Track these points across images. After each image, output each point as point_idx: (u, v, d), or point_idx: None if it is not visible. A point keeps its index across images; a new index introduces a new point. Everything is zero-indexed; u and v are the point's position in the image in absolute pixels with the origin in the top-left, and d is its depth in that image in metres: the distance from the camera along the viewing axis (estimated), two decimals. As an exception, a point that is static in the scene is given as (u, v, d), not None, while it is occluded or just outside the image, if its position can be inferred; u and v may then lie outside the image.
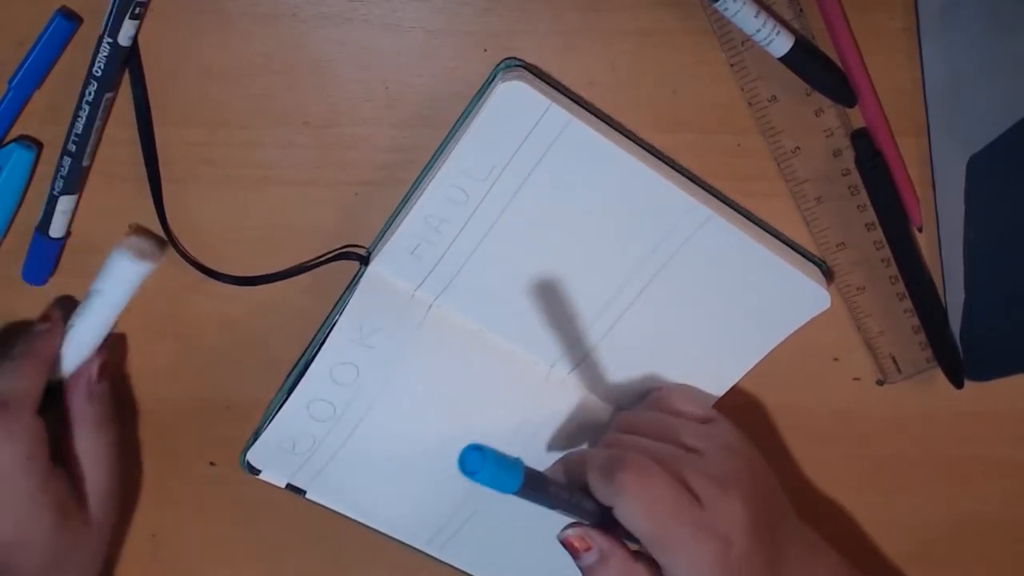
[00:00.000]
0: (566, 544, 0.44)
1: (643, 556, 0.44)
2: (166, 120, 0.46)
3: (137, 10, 0.43)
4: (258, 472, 0.50)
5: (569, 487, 0.42)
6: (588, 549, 0.44)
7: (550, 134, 0.44)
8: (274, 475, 0.50)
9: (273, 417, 0.48)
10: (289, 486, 0.51)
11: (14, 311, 0.50)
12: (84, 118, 0.45)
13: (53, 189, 0.46)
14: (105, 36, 0.43)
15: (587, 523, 0.44)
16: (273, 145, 0.47)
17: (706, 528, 0.42)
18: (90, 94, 0.44)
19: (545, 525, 0.44)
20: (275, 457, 0.49)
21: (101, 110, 0.45)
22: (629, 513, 0.42)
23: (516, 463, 0.37)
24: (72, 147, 0.45)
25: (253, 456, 0.50)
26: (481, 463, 0.36)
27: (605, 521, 0.44)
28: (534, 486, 0.39)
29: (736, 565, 0.43)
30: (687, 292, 0.47)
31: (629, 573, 0.44)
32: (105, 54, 0.43)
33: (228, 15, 0.44)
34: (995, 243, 0.46)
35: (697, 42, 0.45)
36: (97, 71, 0.44)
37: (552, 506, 0.41)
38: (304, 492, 0.51)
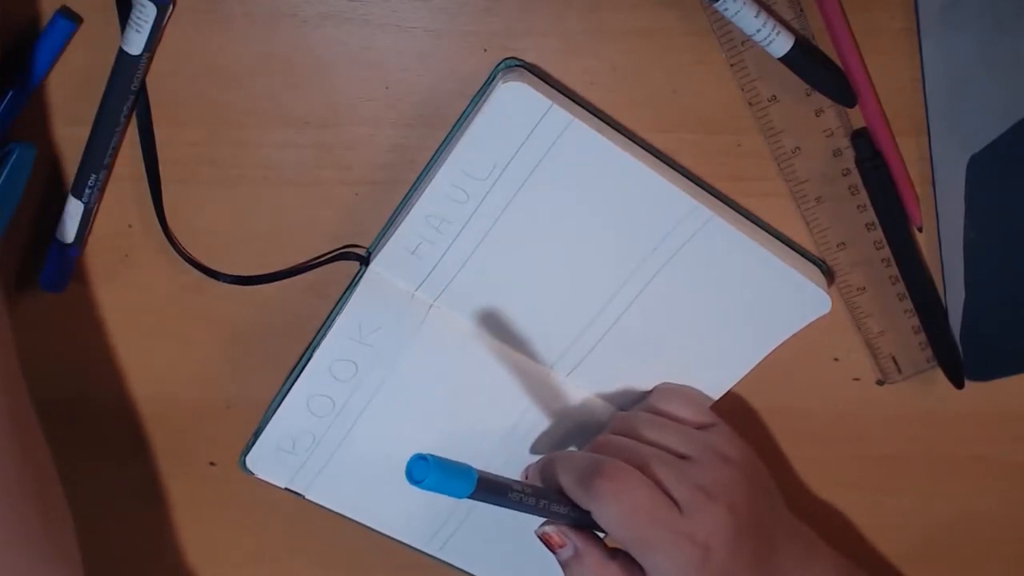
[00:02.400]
0: (542, 538, 0.45)
1: (620, 553, 0.45)
2: (166, 120, 0.46)
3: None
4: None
5: (537, 491, 0.43)
6: (563, 545, 0.45)
7: (551, 134, 0.44)
8: (274, 476, 0.50)
9: (273, 415, 0.48)
10: (288, 489, 0.51)
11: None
12: (118, 131, 0.45)
13: (82, 198, 0.46)
14: (144, 52, 0.44)
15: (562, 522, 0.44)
16: (273, 145, 0.47)
17: (684, 534, 0.43)
18: (126, 109, 0.45)
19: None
20: (275, 458, 0.49)
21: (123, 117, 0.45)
22: (606, 519, 0.43)
23: (467, 471, 0.38)
24: (107, 159, 0.46)
25: (252, 460, 0.50)
26: (426, 471, 0.36)
27: (583, 519, 0.44)
28: (491, 490, 0.40)
29: (716, 571, 0.43)
30: (687, 293, 0.47)
31: (603, 571, 0.44)
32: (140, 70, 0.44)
33: (228, 15, 0.44)
34: (995, 243, 0.46)
35: (697, 42, 0.45)
36: (135, 85, 0.44)
37: (519, 509, 0.42)
38: (303, 496, 0.51)
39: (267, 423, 0.49)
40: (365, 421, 0.49)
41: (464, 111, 0.45)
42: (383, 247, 0.47)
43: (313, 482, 0.50)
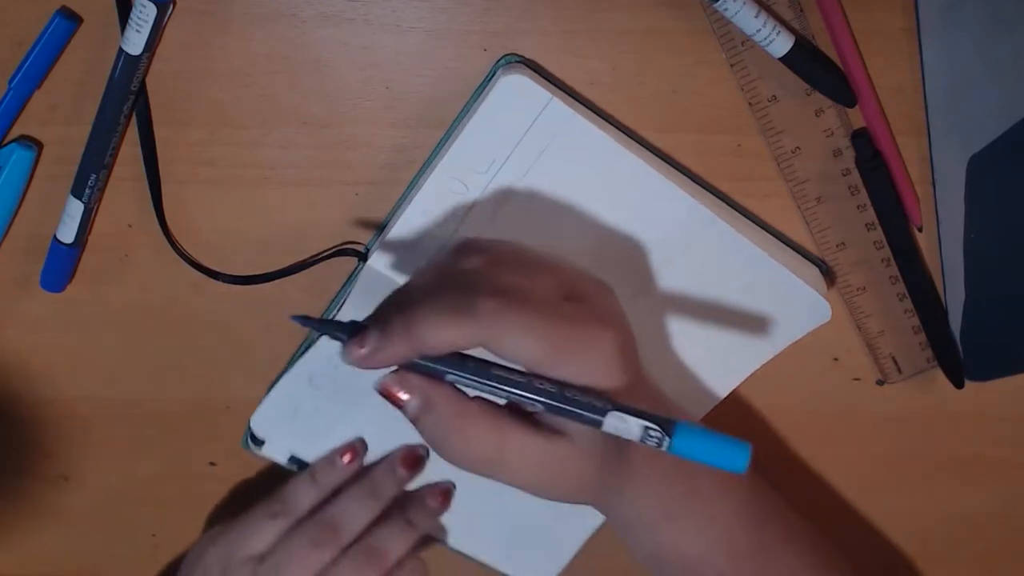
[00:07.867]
0: (384, 393, 0.39)
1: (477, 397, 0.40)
2: (166, 120, 0.46)
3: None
4: (261, 443, 0.50)
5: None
6: (408, 396, 0.39)
7: (550, 128, 0.43)
8: (276, 446, 0.50)
9: (276, 384, 0.49)
10: (292, 459, 0.51)
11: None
12: (118, 131, 0.45)
13: (82, 198, 0.46)
14: (144, 53, 0.44)
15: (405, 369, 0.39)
16: (273, 145, 0.47)
17: (596, 320, 0.38)
18: (127, 109, 0.45)
19: (531, 503, 0.44)
20: (277, 424, 0.49)
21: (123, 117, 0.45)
22: (512, 341, 0.37)
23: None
24: (107, 159, 0.46)
25: (257, 423, 0.50)
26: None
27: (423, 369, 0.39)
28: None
29: (632, 350, 0.40)
30: (687, 295, 0.47)
31: (462, 411, 0.39)
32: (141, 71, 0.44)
33: (228, 15, 0.44)
34: (995, 243, 0.46)
35: (697, 42, 0.45)
36: (135, 85, 0.44)
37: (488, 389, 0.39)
38: (306, 465, 0.51)
39: (270, 391, 0.49)
40: (367, 403, 0.49)
41: (464, 108, 0.45)
42: (382, 241, 0.47)
43: (315, 451, 0.50)
